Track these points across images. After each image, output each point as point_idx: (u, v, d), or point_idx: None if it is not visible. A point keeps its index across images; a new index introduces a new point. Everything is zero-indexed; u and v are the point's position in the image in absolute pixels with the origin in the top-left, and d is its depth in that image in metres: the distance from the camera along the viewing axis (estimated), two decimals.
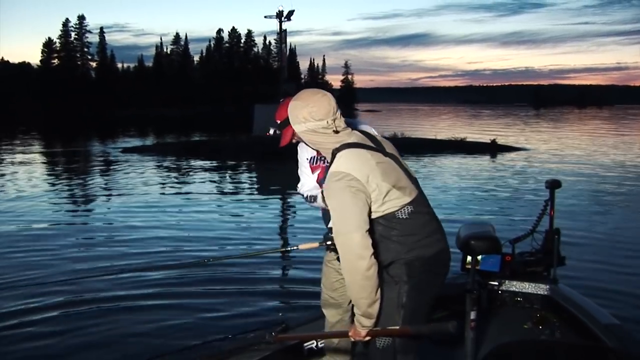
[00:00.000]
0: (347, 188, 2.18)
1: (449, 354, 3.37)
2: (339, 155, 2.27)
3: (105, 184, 15.18)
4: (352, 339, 2.37)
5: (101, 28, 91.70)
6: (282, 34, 33.93)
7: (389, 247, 2.27)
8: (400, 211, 2.27)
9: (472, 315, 3.09)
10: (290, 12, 33.11)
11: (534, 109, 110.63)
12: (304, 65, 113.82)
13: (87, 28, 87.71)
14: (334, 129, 2.30)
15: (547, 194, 3.93)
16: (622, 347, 2.93)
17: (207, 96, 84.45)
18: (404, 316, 2.31)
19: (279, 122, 2.97)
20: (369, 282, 2.18)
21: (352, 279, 2.19)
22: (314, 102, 2.31)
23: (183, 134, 35.20)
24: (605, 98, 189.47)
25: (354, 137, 2.34)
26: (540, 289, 3.80)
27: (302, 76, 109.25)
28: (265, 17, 34.65)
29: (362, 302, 2.21)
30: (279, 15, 33.26)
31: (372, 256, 2.17)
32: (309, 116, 2.30)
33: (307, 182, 3.20)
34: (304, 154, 3.24)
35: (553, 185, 3.85)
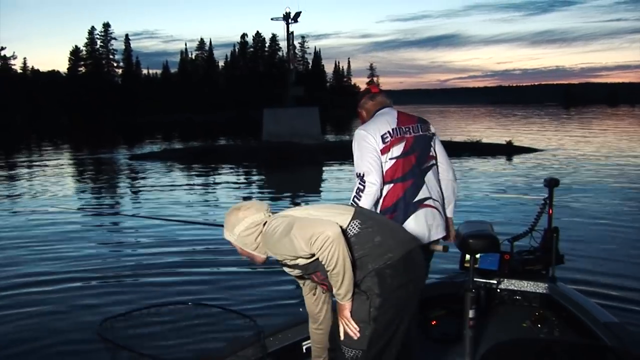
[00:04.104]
0: None
1: (448, 352, 3.39)
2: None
3: (103, 191, 15.32)
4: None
5: (126, 35, 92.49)
6: (289, 36, 32.68)
7: (360, 265, 2.29)
8: (348, 229, 2.31)
9: (471, 313, 3.12)
10: (297, 14, 31.75)
11: (564, 109, 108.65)
12: (330, 68, 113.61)
13: (113, 35, 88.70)
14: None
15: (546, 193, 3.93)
16: (621, 345, 2.92)
17: (232, 101, 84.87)
18: (373, 330, 2.29)
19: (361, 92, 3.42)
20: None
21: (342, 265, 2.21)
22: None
23: (208, 139, 35.28)
24: (638, 96, 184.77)
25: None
26: (539, 287, 3.79)
27: (328, 79, 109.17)
28: (272, 19, 33.15)
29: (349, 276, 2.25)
30: (286, 17, 31.92)
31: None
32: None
33: (376, 179, 3.03)
34: (373, 134, 3.09)
35: (552, 183, 3.84)
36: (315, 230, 2.17)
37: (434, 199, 3.15)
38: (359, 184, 3.04)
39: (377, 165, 3.03)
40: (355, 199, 3.01)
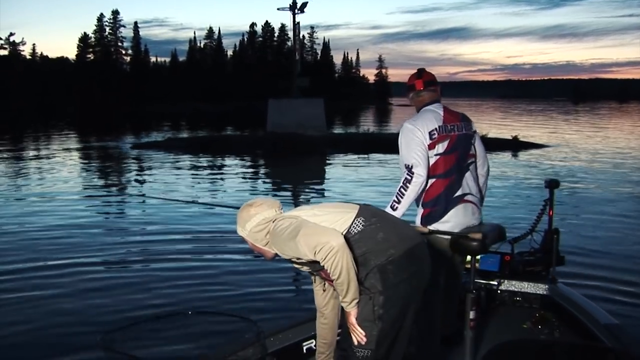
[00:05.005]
0: None
1: (449, 353, 3.40)
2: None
3: (100, 179, 15.33)
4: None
5: (135, 23, 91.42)
6: (295, 27, 32.06)
7: (363, 261, 2.33)
8: (352, 227, 2.36)
9: (472, 314, 3.12)
10: (304, 4, 31.39)
11: (573, 104, 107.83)
12: (338, 59, 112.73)
13: (122, 23, 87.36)
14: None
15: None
16: (621, 346, 2.93)
17: (241, 91, 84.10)
18: (380, 329, 2.33)
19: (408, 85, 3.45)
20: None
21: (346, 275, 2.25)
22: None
23: (215, 129, 35.15)
24: None
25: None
26: (540, 288, 3.80)
27: (337, 70, 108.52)
28: (278, 9, 32.55)
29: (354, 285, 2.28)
30: (292, 7, 31.55)
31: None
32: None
33: (423, 171, 3.10)
34: (421, 129, 3.16)
35: (552, 185, 3.84)
36: (320, 240, 2.21)
37: (472, 194, 3.26)
38: (407, 174, 3.11)
39: (425, 158, 3.11)
40: (402, 189, 3.09)
